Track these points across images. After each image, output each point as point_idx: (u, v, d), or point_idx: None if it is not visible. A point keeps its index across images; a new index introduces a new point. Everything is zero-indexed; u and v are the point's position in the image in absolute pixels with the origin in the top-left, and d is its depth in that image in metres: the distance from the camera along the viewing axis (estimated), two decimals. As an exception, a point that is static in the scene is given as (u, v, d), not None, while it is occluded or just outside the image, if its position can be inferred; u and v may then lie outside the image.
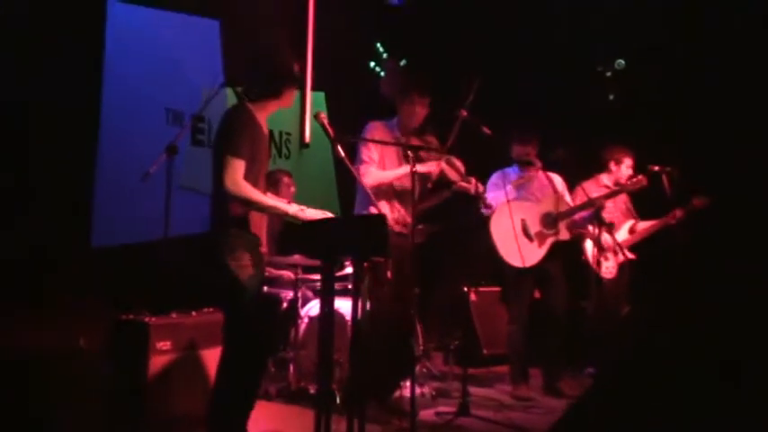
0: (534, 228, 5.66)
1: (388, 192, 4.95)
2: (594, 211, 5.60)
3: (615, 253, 5.93)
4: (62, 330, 4.26)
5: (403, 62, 8.17)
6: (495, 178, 5.84)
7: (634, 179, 5.78)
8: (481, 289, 7.03)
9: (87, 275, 5.27)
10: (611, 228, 5.73)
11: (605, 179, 6.13)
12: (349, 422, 3.57)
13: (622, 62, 8.03)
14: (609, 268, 5.96)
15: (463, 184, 4.97)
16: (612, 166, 6.15)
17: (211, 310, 4.77)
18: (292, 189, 6.10)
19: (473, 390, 5.52)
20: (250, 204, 3.66)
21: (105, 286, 5.25)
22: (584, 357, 6.14)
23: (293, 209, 3.67)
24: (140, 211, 5.58)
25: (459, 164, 5.01)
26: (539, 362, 5.86)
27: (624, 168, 6.11)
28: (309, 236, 3.54)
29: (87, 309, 4.73)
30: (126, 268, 5.46)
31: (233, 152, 3.59)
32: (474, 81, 5.00)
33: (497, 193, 5.67)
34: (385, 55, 8.08)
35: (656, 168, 5.83)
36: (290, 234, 3.62)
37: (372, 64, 7.98)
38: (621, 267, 5.97)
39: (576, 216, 5.78)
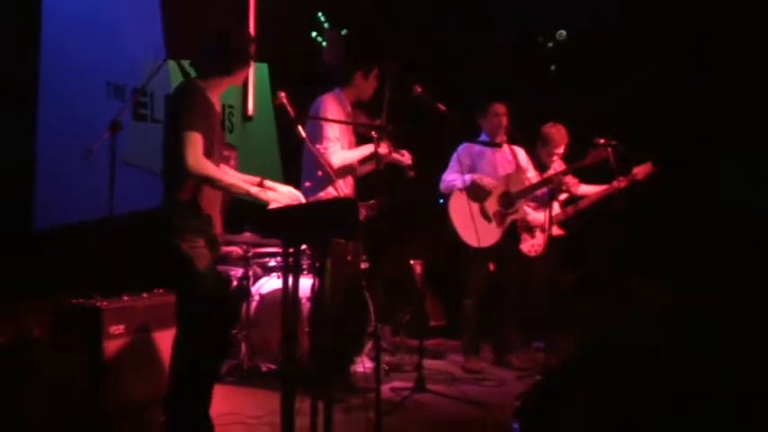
0: (492, 208, 5.68)
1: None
2: (554, 187, 5.60)
3: (543, 230, 5.94)
4: (9, 320, 4.10)
5: (344, 32, 8.06)
6: (461, 150, 5.75)
7: (594, 153, 5.71)
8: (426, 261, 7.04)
9: (31, 259, 5.10)
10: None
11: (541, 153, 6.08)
12: (313, 401, 3.54)
13: (564, 33, 8.10)
14: (535, 246, 5.95)
15: (396, 156, 4.95)
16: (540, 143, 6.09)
17: (162, 291, 4.68)
18: (232, 162, 5.99)
19: (424, 362, 5.57)
20: (211, 182, 3.56)
21: (50, 270, 5.09)
22: (531, 332, 6.21)
23: (255, 189, 3.60)
24: (83, 190, 5.44)
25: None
26: (489, 335, 5.93)
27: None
28: (277, 220, 3.44)
29: (34, 295, 4.58)
30: (71, 250, 5.30)
31: (189, 127, 3.47)
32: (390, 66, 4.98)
33: (456, 173, 5.66)
34: (326, 25, 7.96)
35: (602, 141, 5.79)
36: (254, 217, 3.50)
37: (314, 34, 7.85)
38: (550, 243, 5.94)
39: (539, 193, 5.79)
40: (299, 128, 3.83)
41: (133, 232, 5.27)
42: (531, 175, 5.86)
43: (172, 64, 5.88)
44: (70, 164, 5.37)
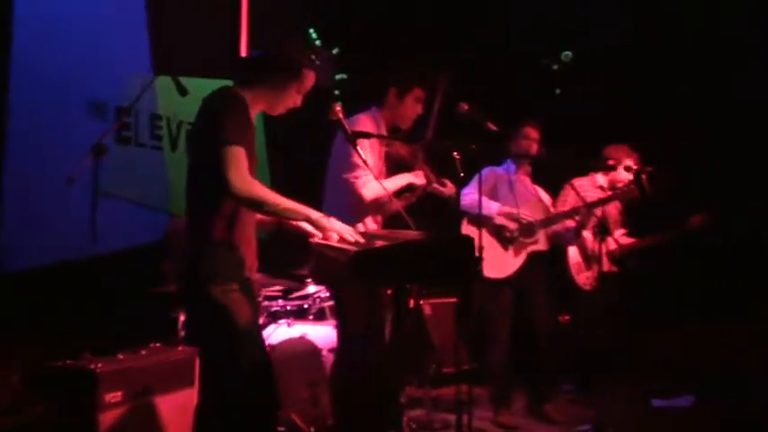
0: (510, 235, 5.09)
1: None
2: (580, 223, 5.21)
3: (598, 263, 5.39)
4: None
5: (335, 51, 7.49)
6: (485, 171, 5.16)
7: (630, 186, 5.18)
8: (435, 301, 6.40)
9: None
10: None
11: (600, 179, 5.51)
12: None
13: (569, 54, 7.62)
14: (590, 278, 5.42)
15: (437, 186, 4.28)
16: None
17: (160, 345, 3.97)
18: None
19: (448, 416, 4.97)
20: (262, 207, 2.91)
21: (23, 319, 4.33)
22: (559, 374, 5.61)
23: (316, 214, 2.95)
24: (59, 225, 4.72)
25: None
26: (522, 382, 5.32)
27: (622, 171, 5.44)
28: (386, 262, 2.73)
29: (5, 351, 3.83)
30: (46, 295, 4.55)
31: (232, 140, 2.83)
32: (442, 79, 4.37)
33: (474, 194, 5.04)
34: (318, 42, 7.36)
35: (635, 168, 5.32)
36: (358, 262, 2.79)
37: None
38: (604, 280, 5.40)
39: (559, 226, 5.23)
40: (358, 147, 3.16)
41: (118, 273, 4.65)
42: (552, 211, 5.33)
43: (160, 80, 5.17)
44: (44, 195, 4.69)
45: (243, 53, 6.32)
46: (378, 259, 2.66)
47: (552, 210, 5.32)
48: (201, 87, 5.08)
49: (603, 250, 5.02)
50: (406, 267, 2.72)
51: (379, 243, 2.84)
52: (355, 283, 3.09)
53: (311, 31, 7.31)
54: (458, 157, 3.40)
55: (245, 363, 2.88)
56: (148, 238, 5.35)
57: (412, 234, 3.02)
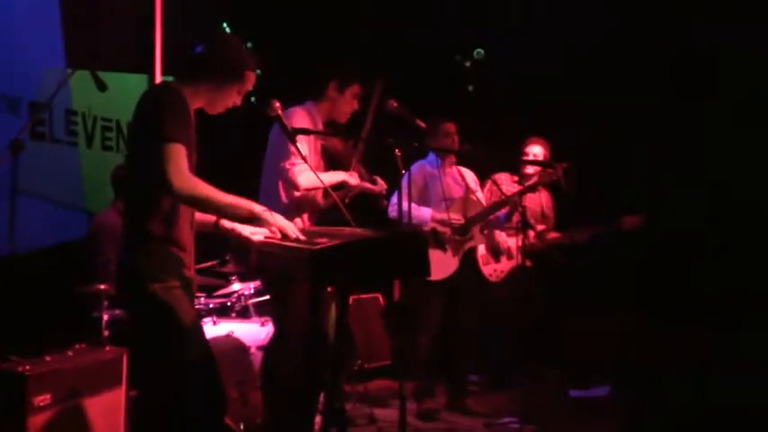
0: (446, 235, 5.18)
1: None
2: (511, 209, 5.29)
3: (509, 257, 5.53)
4: None
5: (249, 44, 7.40)
6: (414, 170, 5.26)
7: (549, 171, 5.27)
8: (358, 297, 6.44)
9: None
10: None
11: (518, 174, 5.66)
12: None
13: (482, 51, 7.75)
14: (497, 271, 5.55)
15: (367, 185, 4.33)
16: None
17: (84, 346, 3.89)
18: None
19: (372, 411, 5.07)
20: (204, 204, 2.83)
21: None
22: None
23: (259, 208, 2.89)
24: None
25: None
26: (443, 377, 5.40)
27: (531, 159, 5.57)
28: (338, 260, 2.71)
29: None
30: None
31: (170, 137, 2.75)
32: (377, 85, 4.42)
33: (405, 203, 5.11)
34: (231, 37, 7.27)
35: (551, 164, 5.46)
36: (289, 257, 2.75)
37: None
38: (517, 274, 5.48)
39: (491, 217, 5.34)
40: (297, 144, 3.17)
41: (37, 273, 4.53)
42: (480, 196, 5.45)
43: (76, 75, 5.02)
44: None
45: (158, 47, 6.20)
46: (337, 257, 2.65)
47: (481, 197, 5.44)
48: (116, 82, 5.02)
49: (520, 244, 5.14)
50: (365, 265, 2.71)
51: (321, 240, 2.84)
52: (304, 280, 3.07)
53: (224, 24, 7.22)
54: (399, 154, 3.44)
55: (191, 360, 2.83)
56: (65, 236, 5.21)
57: (357, 231, 3.02)
